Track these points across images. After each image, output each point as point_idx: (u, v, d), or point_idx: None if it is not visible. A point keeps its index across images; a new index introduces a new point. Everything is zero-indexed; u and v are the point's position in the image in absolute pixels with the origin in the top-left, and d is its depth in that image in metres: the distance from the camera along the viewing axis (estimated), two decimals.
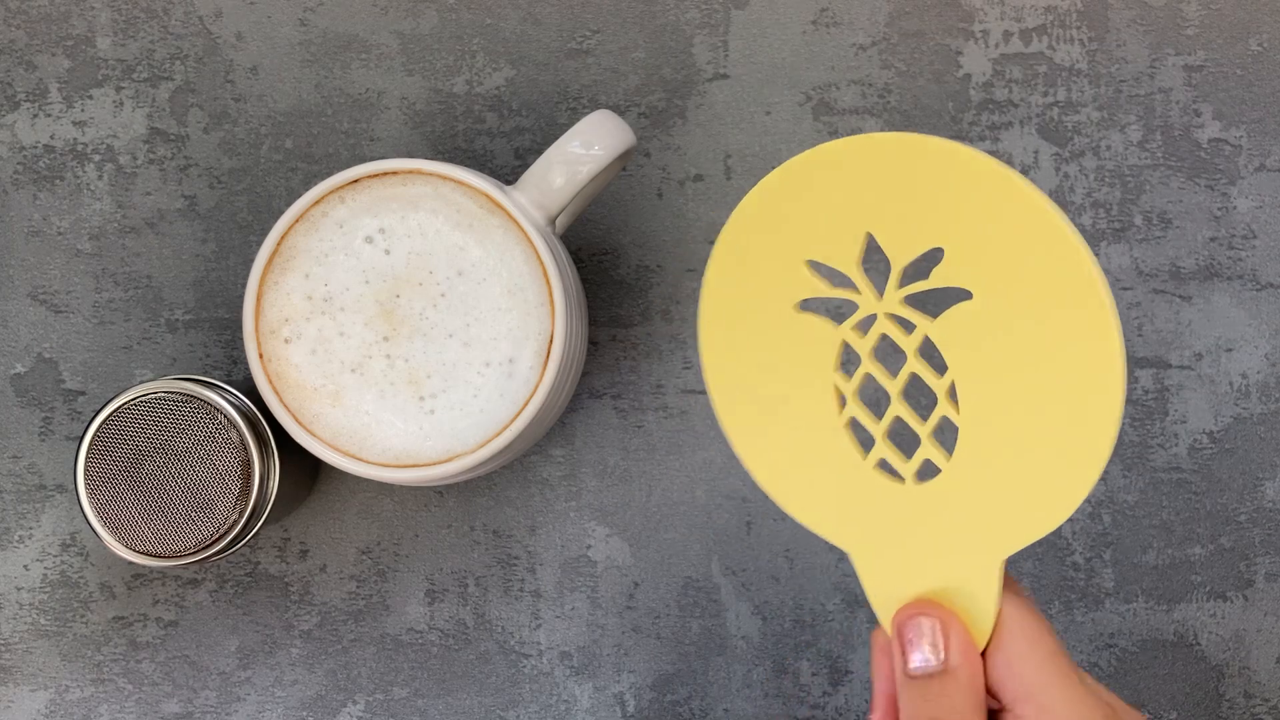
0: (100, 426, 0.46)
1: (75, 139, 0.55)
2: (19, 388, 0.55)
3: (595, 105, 0.55)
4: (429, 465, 0.46)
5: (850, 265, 0.35)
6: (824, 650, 0.55)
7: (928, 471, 0.35)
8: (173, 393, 0.46)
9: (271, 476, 0.47)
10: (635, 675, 0.55)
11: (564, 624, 0.55)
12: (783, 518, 0.55)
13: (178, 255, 0.55)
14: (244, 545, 0.48)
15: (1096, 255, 0.55)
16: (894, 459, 0.36)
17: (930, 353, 0.35)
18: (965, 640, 0.34)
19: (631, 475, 0.55)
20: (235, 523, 0.46)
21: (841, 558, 0.55)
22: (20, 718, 0.54)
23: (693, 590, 0.55)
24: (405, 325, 0.46)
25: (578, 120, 0.48)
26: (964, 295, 0.33)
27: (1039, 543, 0.55)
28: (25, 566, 0.55)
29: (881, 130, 0.55)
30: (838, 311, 0.37)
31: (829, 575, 0.55)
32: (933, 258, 0.34)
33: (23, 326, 0.55)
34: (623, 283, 0.55)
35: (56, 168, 0.55)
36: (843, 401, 0.36)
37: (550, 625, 0.55)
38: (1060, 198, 0.55)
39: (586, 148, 0.47)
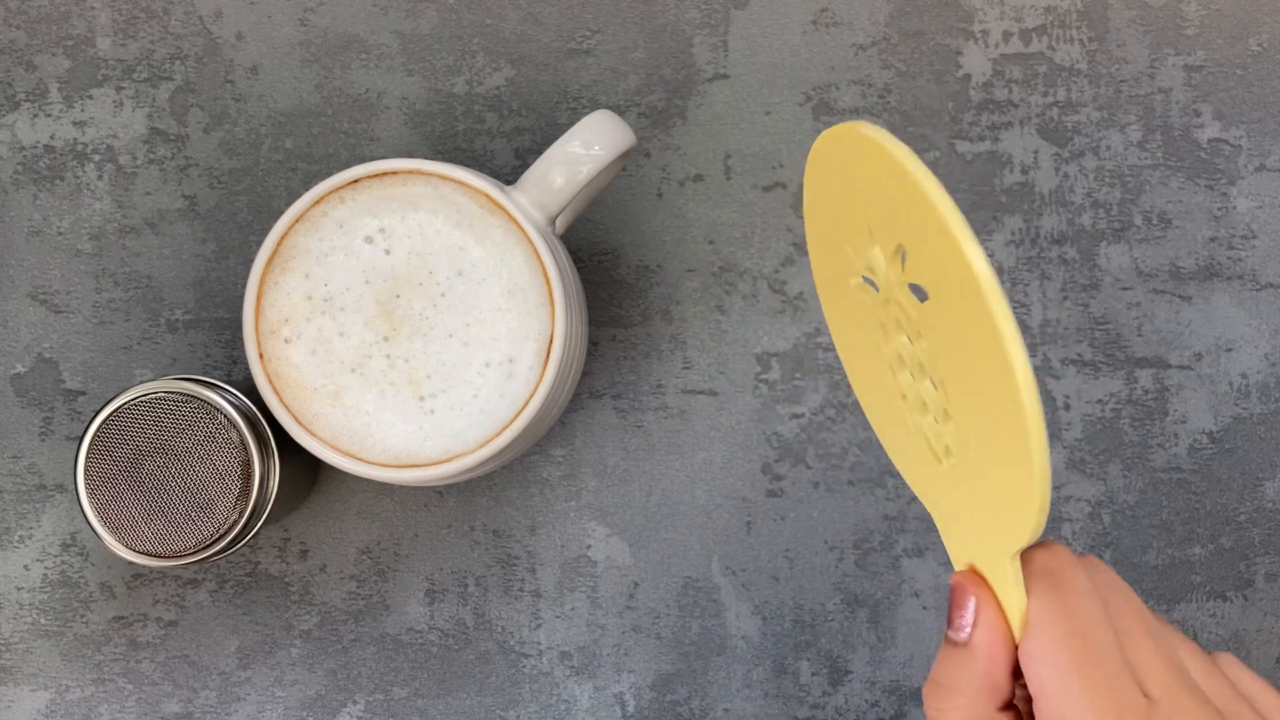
0: (100, 426, 0.46)
1: (75, 139, 0.55)
2: (19, 388, 0.55)
3: (595, 105, 0.55)
4: (429, 465, 0.46)
5: (865, 245, 0.34)
6: (824, 650, 0.55)
7: (949, 452, 0.35)
8: (173, 393, 0.46)
9: (271, 476, 0.47)
10: (635, 675, 0.55)
11: (564, 624, 0.55)
12: (783, 517, 0.55)
13: (178, 255, 0.55)
14: (244, 545, 0.48)
15: (1096, 255, 0.55)
16: (930, 436, 0.35)
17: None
18: (993, 623, 0.33)
19: (631, 475, 0.55)
20: (235, 523, 0.46)
21: (841, 557, 0.55)
22: (20, 718, 0.54)
23: (693, 590, 0.55)
24: (405, 325, 0.46)
25: (578, 120, 0.48)
26: (925, 297, 0.32)
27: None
28: (25, 566, 0.55)
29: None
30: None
31: (829, 575, 0.55)
32: (902, 258, 0.33)
33: (23, 326, 0.55)
34: (623, 283, 0.55)
35: (56, 168, 0.55)
36: (894, 370, 0.36)
37: (550, 625, 0.55)
38: (1060, 197, 0.55)
39: (586, 148, 0.47)
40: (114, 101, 0.55)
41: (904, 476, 0.38)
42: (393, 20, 0.55)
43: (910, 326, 0.34)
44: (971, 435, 0.33)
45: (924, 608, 0.55)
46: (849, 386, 0.55)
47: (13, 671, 0.54)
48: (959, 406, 0.33)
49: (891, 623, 0.55)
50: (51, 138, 0.55)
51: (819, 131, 0.55)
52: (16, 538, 0.54)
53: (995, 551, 0.33)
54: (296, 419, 0.46)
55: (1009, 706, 0.34)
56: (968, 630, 0.34)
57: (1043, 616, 0.33)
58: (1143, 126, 0.55)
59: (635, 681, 0.55)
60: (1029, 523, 0.31)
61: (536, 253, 0.46)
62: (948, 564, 0.55)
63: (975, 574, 0.34)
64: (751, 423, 0.55)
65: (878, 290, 0.35)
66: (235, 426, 0.46)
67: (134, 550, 0.46)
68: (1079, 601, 0.34)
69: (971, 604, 0.34)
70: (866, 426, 0.55)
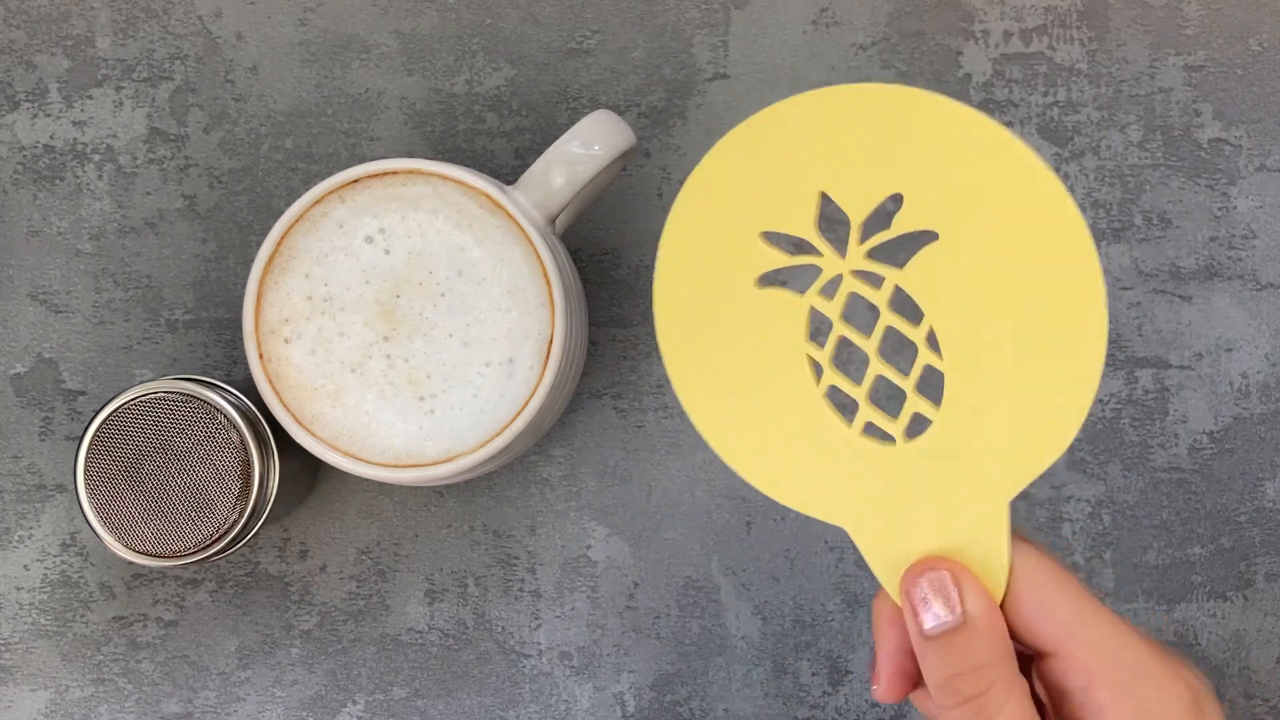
0: (100, 426, 0.46)
1: (75, 139, 0.55)
2: (19, 388, 0.55)
3: (595, 105, 0.55)
4: (429, 465, 0.46)
5: (807, 229, 0.34)
6: (824, 650, 0.55)
7: (917, 427, 0.34)
8: (173, 393, 0.46)
9: (271, 476, 0.47)
10: (635, 675, 0.55)
11: (564, 624, 0.55)
12: (783, 517, 0.55)
13: (178, 255, 0.55)
14: (244, 545, 0.48)
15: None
16: (881, 420, 0.35)
17: (903, 304, 0.34)
18: (980, 589, 0.33)
19: (631, 475, 0.55)
20: (235, 523, 0.46)
21: (841, 557, 0.55)
22: (20, 718, 0.54)
23: (693, 590, 0.55)
24: (405, 325, 0.46)
25: (578, 120, 0.48)
26: (930, 237, 0.33)
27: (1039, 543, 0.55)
28: (25, 566, 0.55)
29: None
30: (801, 280, 0.36)
31: (829, 575, 0.55)
32: (891, 207, 0.33)
33: (23, 326, 0.55)
34: (623, 283, 0.55)
35: (56, 168, 0.55)
36: (818, 372, 0.35)
37: (550, 625, 0.55)
38: None
39: (586, 148, 0.47)
40: (114, 101, 0.55)
41: (797, 502, 0.36)
42: (393, 20, 0.55)
43: (881, 298, 0.34)
44: (978, 377, 0.32)
45: None
46: None
47: (13, 671, 0.54)
48: (964, 349, 0.32)
49: None
50: (51, 138, 0.55)
51: None
52: (16, 538, 0.54)
53: (984, 507, 0.33)
54: (296, 419, 0.46)
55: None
56: (958, 609, 0.32)
57: (1032, 563, 0.33)
58: (1143, 126, 0.55)
59: (635, 681, 0.55)
60: (1078, 413, 0.31)
61: (536, 253, 0.46)
62: None
63: (931, 558, 0.33)
64: None
65: (804, 290, 0.35)
66: (235, 426, 0.46)
67: (134, 550, 0.46)
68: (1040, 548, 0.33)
69: (946, 582, 0.33)
70: None
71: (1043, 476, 0.55)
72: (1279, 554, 0.55)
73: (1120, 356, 0.55)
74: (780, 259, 0.35)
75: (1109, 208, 0.55)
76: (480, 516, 0.55)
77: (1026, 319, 0.32)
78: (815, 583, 0.55)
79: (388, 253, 0.46)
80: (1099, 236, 0.55)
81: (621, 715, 0.55)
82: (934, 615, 0.32)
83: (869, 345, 0.35)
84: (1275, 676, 0.55)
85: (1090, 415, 0.55)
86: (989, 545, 0.33)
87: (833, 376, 0.35)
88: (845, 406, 0.36)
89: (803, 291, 0.35)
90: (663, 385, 0.55)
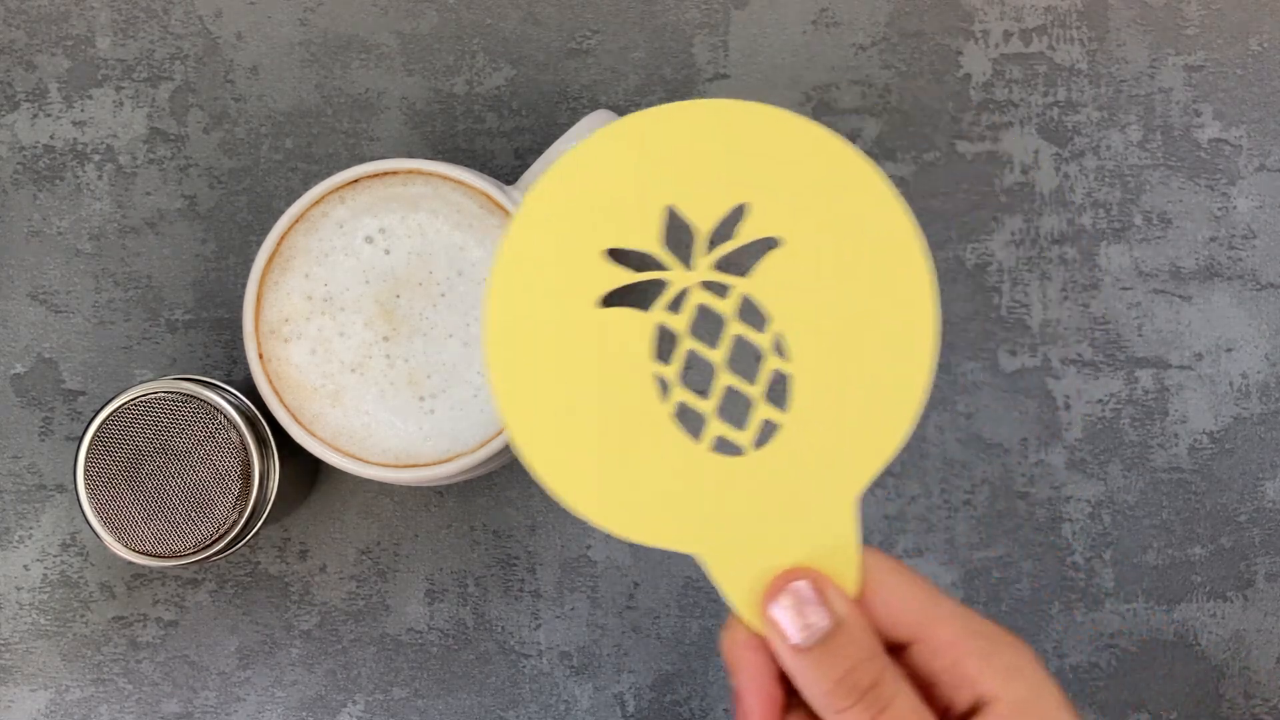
0: (100, 426, 0.46)
1: (75, 139, 0.55)
2: (19, 388, 0.55)
3: (595, 105, 0.55)
4: (429, 465, 0.46)
5: (653, 243, 0.34)
6: None
7: (766, 435, 0.35)
8: (172, 393, 0.46)
9: (271, 476, 0.47)
10: (635, 675, 0.55)
11: (564, 624, 0.55)
12: None
13: (178, 255, 0.55)
14: (244, 545, 0.48)
15: (1097, 255, 0.55)
16: (729, 433, 0.35)
17: (750, 313, 0.34)
18: (839, 589, 0.33)
19: None
20: (235, 523, 0.46)
21: None
22: (20, 718, 0.54)
23: (693, 590, 0.55)
24: (405, 325, 0.46)
25: (578, 120, 0.48)
26: (775, 244, 0.34)
27: (1039, 543, 0.55)
28: (25, 566, 0.55)
29: (880, 129, 0.55)
30: (645, 298, 0.36)
31: None
32: (737, 218, 0.34)
33: (23, 326, 0.55)
34: None
35: (56, 168, 0.55)
36: (664, 391, 0.35)
37: (550, 625, 0.55)
38: (1061, 197, 0.55)
39: None
40: (114, 101, 0.55)
41: (645, 535, 0.35)
42: (393, 20, 0.55)
43: (729, 307, 0.34)
44: (822, 378, 0.34)
45: None
46: None
47: (13, 671, 0.54)
48: (810, 348, 0.34)
49: None
50: (51, 138, 0.55)
51: None
52: (16, 538, 0.54)
53: (834, 506, 0.34)
54: (296, 419, 0.46)
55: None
56: (825, 615, 0.33)
57: (877, 561, 0.34)
58: (1143, 126, 0.55)
59: (635, 681, 0.55)
60: (913, 405, 0.33)
61: None
62: (948, 563, 0.55)
63: (788, 572, 0.34)
64: None
65: (648, 307, 0.35)
66: (235, 427, 0.46)
67: (134, 550, 0.46)
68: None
69: (807, 591, 0.33)
70: None
71: (1043, 477, 0.55)
72: (1279, 554, 0.55)
73: (1120, 356, 0.55)
74: (624, 276, 0.35)
75: (1109, 208, 0.55)
76: (480, 516, 0.55)
77: (864, 319, 0.34)
78: None
79: (388, 253, 0.46)
80: (1099, 236, 0.55)
81: (621, 715, 0.55)
82: (802, 625, 0.33)
83: (717, 356, 0.35)
84: (1275, 676, 0.55)
85: (1090, 415, 0.55)
86: (841, 545, 0.34)
87: (680, 393, 0.35)
88: (696, 424, 0.35)
89: (648, 308, 0.35)
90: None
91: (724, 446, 0.35)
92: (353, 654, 0.55)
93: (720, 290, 0.35)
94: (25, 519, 0.55)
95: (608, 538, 0.55)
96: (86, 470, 0.45)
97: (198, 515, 0.46)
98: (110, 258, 0.55)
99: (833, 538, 0.34)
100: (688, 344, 0.35)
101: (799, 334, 0.34)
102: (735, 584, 0.34)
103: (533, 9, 0.55)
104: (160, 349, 0.55)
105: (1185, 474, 0.55)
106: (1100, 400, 0.55)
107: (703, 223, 0.34)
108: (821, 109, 0.55)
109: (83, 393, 0.55)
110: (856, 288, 0.34)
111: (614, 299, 0.35)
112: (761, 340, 0.34)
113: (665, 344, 0.35)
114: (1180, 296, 0.55)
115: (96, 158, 0.55)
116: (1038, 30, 0.55)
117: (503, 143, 0.55)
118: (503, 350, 0.34)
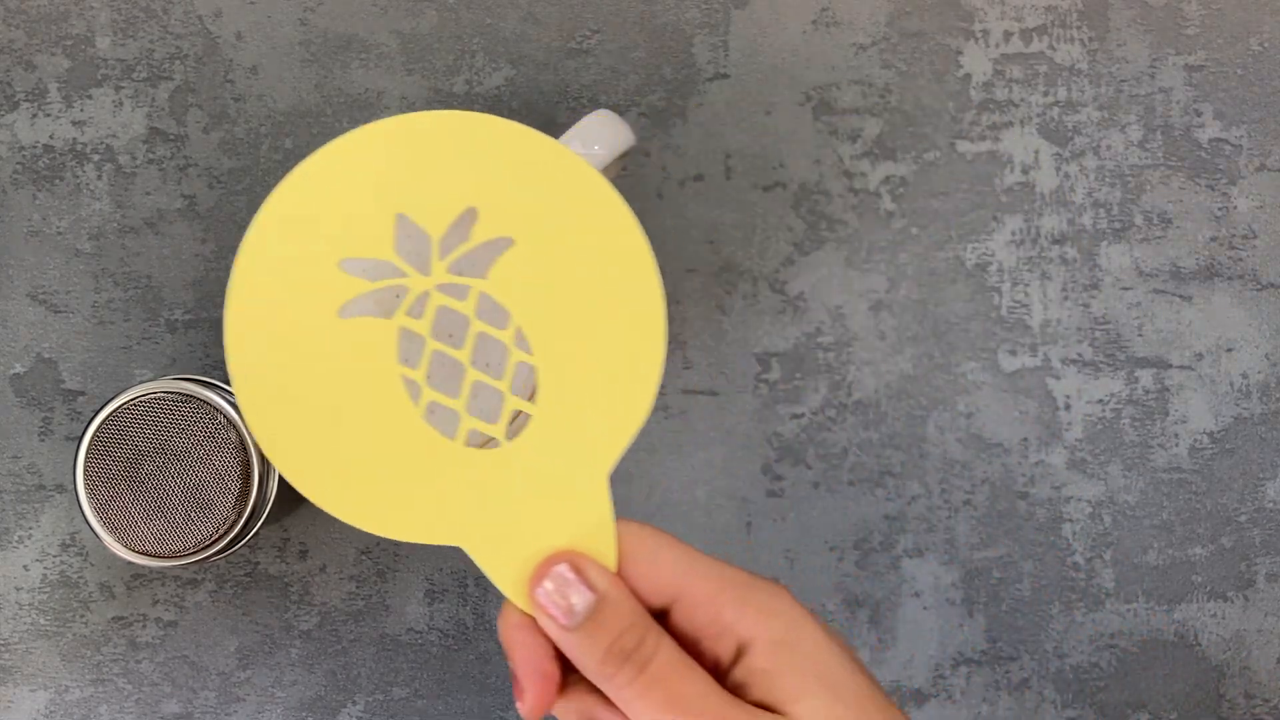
0: (100, 426, 0.45)
1: (75, 139, 0.55)
2: (19, 388, 0.55)
3: (595, 105, 0.55)
4: None
5: (386, 251, 0.36)
6: None
7: (519, 426, 0.36)
8: (172, 393, 0.46)
9: (271, 476, 0.47)
10: None
11: None
12: (783, 518, 0.55)
13: (177, 255, 0.55)
14: (244, 545, 0.48)
15: (1097, 255, 0.55)
16: (483, 427, 0.36)
17: (491, 311, 0.36)
18: (599, 565, 0.35)
19: (631, 475, 0.55)
20: (235, 523, 0.46)
21: (841, 558, 0.55)
22: (20, 718, 0.54)
23: None
24: None
25: (578, 120, 0.48)
26: (508, 244, 0.35)
27: (1039, 543, 0.55)
28: (25, 567, 0.54)
29: (880, 129, 0.55)
30: (387, 305, 0.37)
31: (829, 575, 0.55)
32: (470, 222, 0.35)
33: (22, 326, 0.55)
34: None
35: (56, 168, 0.55)
36: (414, 393, 0.36)
37: None
38: (1061, 197, 0.55)
39: (586, 147, 0.47)
40: (113, 101, 0.55)
41: (412, 533, 0.36)
42: (393, 20, 0.55)
43: (469, 307, 0.36)
44: (564, 366, 0.35)
45: (924, 608, 0.55)
46: (850, 386, 0.55)
47: (12, 671, 0.54)
48: (550, 339, 0.35)
49: (892, 623, 0.55)
50: (51, 137, 0.55)
51: (820, 131, 0.55)
52: (16, 538, 0.54)
53: (587, 484, 0.35)
54: None
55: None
56: (587, 592, 0.34)
57: (637, 528, 0.35)
58: (1143, 126, 0.55)
59: None
60: (650, 381, 0.35)
61: None
62: (948, 563, 0.55)
63: (549, 558, 0.35)
64: (751, 423, 0.55)
65: (390, 314, 0.36)
66: (234, 426, 0.46)
67: (133, 550, 0.46)
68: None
69: (566, 572, 0.35)
70: (867, 426, 0.55)
71: (1043, 477, 0.55)
72: (1279, 554, 0.55)
73: (1120, 356, 0.55)
74: (361, 285, 0.36)
75: (1109, 208, 0.55)
76: None
77: (596, 305, 0.36)
78: (815, 583, 0.55)
79: None
80: (1099, 236, 0.55)
81: None
82: (566, 605, 0.35)
83: (463, 355, 0.36)
84: (1275, 676, 0.55)
85: (1091, 415, 0.55)
86: (596, 522, 0.35)
87: (430, 394, 0.36)
88: (450, 421, 0.36)
89: (389, 315, 0.36)
90: (663, 385, 0.55)
91: (478, 440, 0.36)
92: (352, 654, 0.55)
93: (459, 292, 0.36)
94: (25, 519, 0.54)
95: None
96: (86, 470, 0.45)
97: (197, 515, 0.46)
98: (110, 258, 0.55)
99: (591, 515, 0.35)
100: (434, 345, 0.36)
101: (538, 327, 0.36)
102: (504, 571, 0.36)
103: (532, 9, 0.55)
104: (160, 349, 0.55)
105: (1186, 474, 0.55)
106: (1100, 400, 0.55)
107: (435, 229, 0.36)
108: (821, 109, 0.55)
109: (82, 393, 0.55)
110: (586, 276, 0.36)
111: (355, 308, 0.36)
112: (504, 336, 0.36)
113: (411, 348, 0.36)
114: (1181, 296, 0.55)
115: (96, 158, 0.55)
116: (1038, 30, 0.55)
117: None
118: (247, 367, 0.36)
